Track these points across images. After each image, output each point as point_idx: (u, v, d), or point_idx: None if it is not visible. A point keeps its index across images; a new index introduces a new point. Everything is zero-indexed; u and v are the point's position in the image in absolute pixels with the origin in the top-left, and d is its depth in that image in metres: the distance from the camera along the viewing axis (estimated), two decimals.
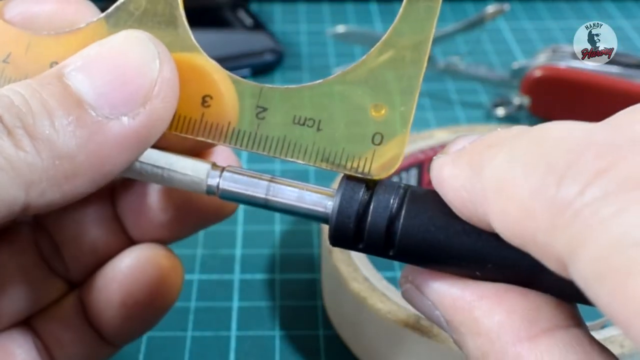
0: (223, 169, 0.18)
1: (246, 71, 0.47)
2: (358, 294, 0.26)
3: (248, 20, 0.52)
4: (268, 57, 0.48)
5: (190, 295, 0.31)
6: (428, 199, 0.16)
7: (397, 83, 0.18)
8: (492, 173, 0.14)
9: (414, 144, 0.34)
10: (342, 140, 0.17)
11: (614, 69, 0.41)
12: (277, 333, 0.29)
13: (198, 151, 0.20)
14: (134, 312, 0.21)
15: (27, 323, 0.21)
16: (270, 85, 0.18)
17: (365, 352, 0.28)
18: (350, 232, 0.16)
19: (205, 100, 0.18)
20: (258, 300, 0.31)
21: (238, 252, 0.33)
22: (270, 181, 0.18)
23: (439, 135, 0.34)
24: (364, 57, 0.18)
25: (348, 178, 0.17)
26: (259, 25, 0.52)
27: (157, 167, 0.18)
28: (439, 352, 0.24)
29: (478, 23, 0.44)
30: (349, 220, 0.16)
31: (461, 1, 0.59)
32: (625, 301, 0.11)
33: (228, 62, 0.46)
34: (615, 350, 0.23)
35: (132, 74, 0.17)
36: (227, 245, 0.34)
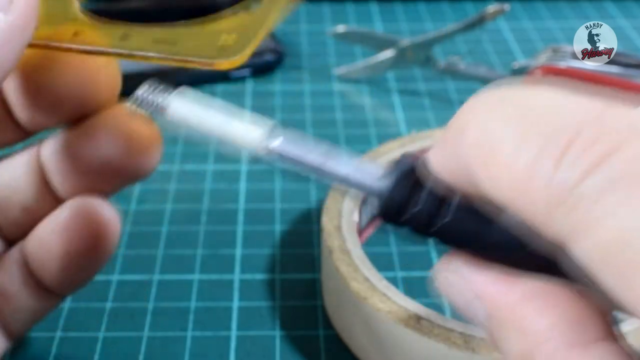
0: (281, 132, 0.18)
1: (246, 71, 0.47)
2: (358, 294, 0.26)
3: None
4: (268, 57, 0.48)
5: (190, 295, 0.31)
6: None
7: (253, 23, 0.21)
8: (476, 138, 0.14)
9: (414, 144, 0.34)
10: (193, 47, 0.21)
11: (614, 69, 0.41)
12: (277, 333, 0.29)
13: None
14: (75, 262, 0.22)
15: None
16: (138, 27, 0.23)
17: (365, 352, 0.28)
18: (406, 196, 0.16)
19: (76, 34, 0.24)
20: (258, 300, 0.31)
21: (238, 252, 0.33)
22: (327, 150, 0.18)
23: (439, 135, 0.34)
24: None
25: (404, 163, 0.17)
26: None
27: (218, 125, 0.18)
28: (439, 352, 0.24)
29: (478, 23, 0.44)
30: (408, 184, 0.17)
31: (461, 1, 0.59)
32: (633, 292, 0.12)
33: None
34: None
35: None
36: (227, 245, 0.34)
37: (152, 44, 0.26)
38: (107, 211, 0.22)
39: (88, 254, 0.22)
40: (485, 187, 0.14)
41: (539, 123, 0.14)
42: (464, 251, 0.17)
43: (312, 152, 0.18)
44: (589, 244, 0.12)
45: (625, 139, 0.13)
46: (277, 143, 0.18)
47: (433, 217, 0.16)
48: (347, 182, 0.18)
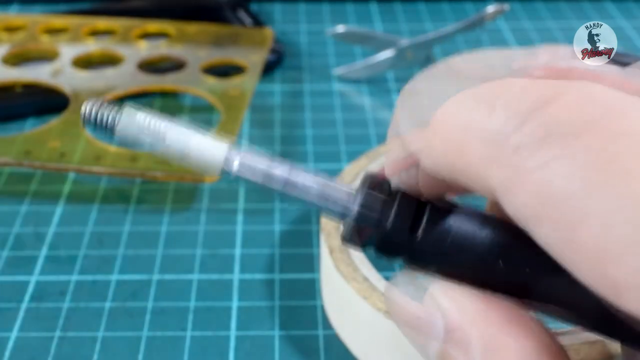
0: (240, 151, 0.17)
1: None
2: (358, 293, 0.26)
3: (248, 20, 0.52)
4: (268, 57, 0.48)
5: (189, 295, 0.31)
6: (450, 208, 0.16)
7: None
8: (410, 111, 0.15)
9: None
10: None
11: (613, 69, 0.41)
12: (276, 333, 0.29)
13: None
14: None
15: None
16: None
17: (364, 352, 0.28)
18: (374, 218, 0.16)
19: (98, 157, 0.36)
20: (257, 300, 0.31)
21: (237, 251, 0.33)
22: (290, 170, 0.17)
23: None
24: None
25: (371, 183, 0.17)
26: (259, 25, 0.51)
27: (173, 143, 0.17)
28: None
29: (478, 23, 0.44)
30: (376, 206, 0.16)
31: (461, 1, 0.59)
32: (574, 246, 0.12)
33: None
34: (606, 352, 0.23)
35: None
36: (227, 245, 0.34)
37: (155, 164, 0.35)
38: None
39: None
40: (424, 159, 0.14)
41: (473, 79, 0.14)
42: (431, 271, 0.16)
43: (273, 174, 0.17)
44: (523, 196, 0.12)
45: (558, 89, 0.12)
46: (236, 164, 0.17)
47: (401, 239, 0.16)
48: (311, 205, 0.17)
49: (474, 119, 0.13)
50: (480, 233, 0.15)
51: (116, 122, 0.17)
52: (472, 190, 0.14)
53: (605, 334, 0.15)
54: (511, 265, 0.15)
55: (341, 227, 0.17)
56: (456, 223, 0.15)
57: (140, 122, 0.17)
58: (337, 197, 0.17)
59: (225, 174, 0.17)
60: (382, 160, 0.33)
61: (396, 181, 0.16)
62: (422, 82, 0.15)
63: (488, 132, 0.13)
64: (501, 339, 0.14)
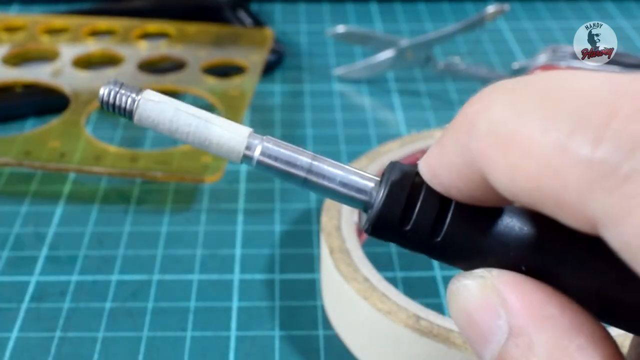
0: (262, 139, 0.17)
1: None
2: (358, 294, 0.26)
3: (248, 20, 0.52)
4: (268, 57, 0.48)
5: (189, 295, 0.31)
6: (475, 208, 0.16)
7: None
8: (491, 125, 0.13)
9: (414, 144, 0.34)
10: (185, 167, 0.32)
11: (614, 69, 0.41)
12: (276, 333, 0.29)
13: None
14: None
15: None
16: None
17: (365, 352, 0.28)
18: (397, 212, 0.16)
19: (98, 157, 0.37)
20: (258, 300, 0.31)
21: (238, 252, 0.33)
22: (313, 159, 0.17)
23: (439, 135, 0.34)
24: None
25: (396, 173, 0.16)
26: (259, 25, 0.51)
27: (193, 130, 0.16)
28: (439, 352, 0.24)
29: (478, 23, 0.44)
30: (399, 200, 0.15)
31: (461, 1, 0.59)
32: None
33: None
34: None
35: None
36: (227, 245, 0.34)
37: (155, 164, 0.36)
38: None
39: None
40: (500, 178, 0.13)
41: (565, 101, 0.13)
42: (455, 265, 0.16)
43: (295, 163, 0.16)
44: (633, 227, 0.11)
45: None
46: (259, 151, 0.16)
47: (423, 237, 0.15)
48: (333, 194, 0.17)
49: (576, 145, 0.12)
50: (507, 234, 0.15)
51: (134, 107, 0.16)
52: (556, 217, 0.13)
53: (621, 327, 0.15)
54: (542, 264, 0.15)
55: (363, 218, 0.17)
56: (480, 221, 0.15)
57: (159, 108, 0.16)
58: (361, 186, 0.16)
59: (247, 160, 0.17)
60: (384, 160, 0.33)
61: (438, 185, 0.15)
62: (505, 95, 0.14)
63: (594, 159, 0.12)
64: (570, 352, 0.13)
